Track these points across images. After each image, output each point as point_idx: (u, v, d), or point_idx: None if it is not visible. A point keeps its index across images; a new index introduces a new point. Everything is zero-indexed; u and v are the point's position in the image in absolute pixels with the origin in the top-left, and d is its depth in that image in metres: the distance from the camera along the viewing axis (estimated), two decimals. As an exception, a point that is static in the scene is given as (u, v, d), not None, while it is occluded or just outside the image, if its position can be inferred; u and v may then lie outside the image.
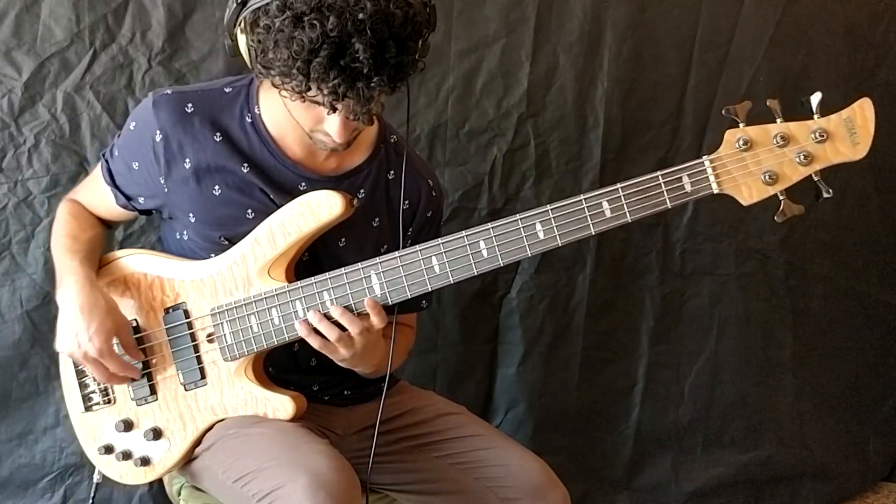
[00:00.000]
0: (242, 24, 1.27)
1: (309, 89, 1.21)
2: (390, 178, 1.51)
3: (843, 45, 2.28)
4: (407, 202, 1.50)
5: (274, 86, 1.27)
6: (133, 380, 1.45)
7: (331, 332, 1.35)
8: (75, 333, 1.36)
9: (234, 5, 1.27)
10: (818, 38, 2.25)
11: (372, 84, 1.19)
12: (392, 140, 1.53)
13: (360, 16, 1.15)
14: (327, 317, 1.36)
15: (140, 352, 1.45)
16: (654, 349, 2.30)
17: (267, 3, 1.20)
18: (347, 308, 1.36)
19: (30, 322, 1.89)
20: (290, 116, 1.34)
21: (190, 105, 1.41)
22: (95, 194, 1.55)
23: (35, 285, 1.88)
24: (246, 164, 1.41)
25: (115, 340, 1.41)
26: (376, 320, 1.36)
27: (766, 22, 2.19)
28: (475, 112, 2.09)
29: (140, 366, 1.45)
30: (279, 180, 1.43)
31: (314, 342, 1.37)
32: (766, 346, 2.37)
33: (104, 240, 1.56)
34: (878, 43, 2.32)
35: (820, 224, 2.35)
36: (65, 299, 1.39)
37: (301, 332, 1.37)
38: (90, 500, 1.58)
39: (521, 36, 2.07)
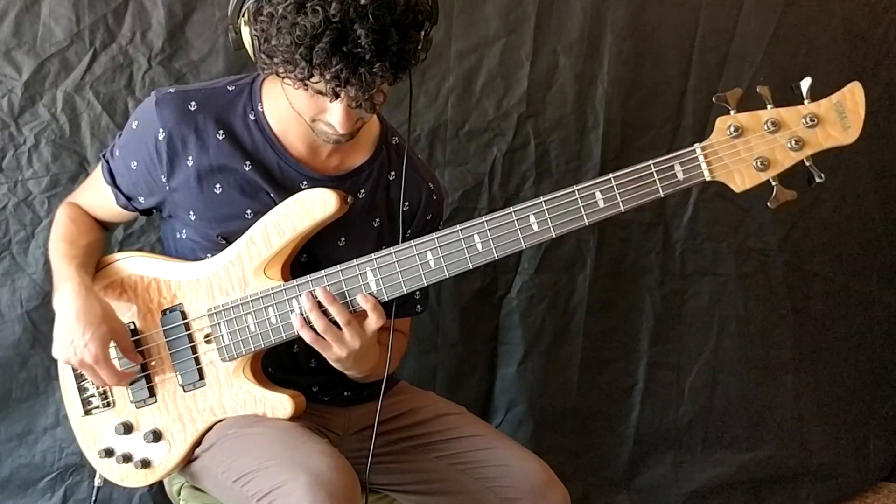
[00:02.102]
0: (246, 15, 1.28)
1: (311, 76, 1.22)
2: (391, 178, 1.51)
3: (843, 45, 2.28)
4: (407, 204, 1.50)
5: (277, 75, 1.27)
6: (131, 383, 1.45)
7: (319, 322, 1.35)
8: (71, 340, 1.36)
9: None
10: (818, 38, 2.25)
11: (374, 70, 1.19)
12: (393, 141, 1.53)
13: (363, 2, 1.16)
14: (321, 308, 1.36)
15: (138, 355, 1.45)
16: (654, 349, 2.30)
17: None
18: (342, 300, 1.36)
19: (30, 322, 1.89)
20: (293, 114, 1.35)
21: (193, 103, 1.41)
22: (96, 195, 1.55)
23: (35, 285, 1.88)
24: (248, 163, 1.42)
25: (112, 345, 1.41)
26: (373, 317, 1.36)
27: (766, 22, 2.19)
28: (475, 112, 2.09)
29: (138, 369, 1.45)
30: (280, 179, 1.43)
31: (306, 336, 1.36)
32: (766, 346, 2.37)
33: (102, 245, 1.56)
34: (878, 43, 2.32)
35: (820, 224, 2.35)
36: (61, 306, 1.39)
37: (295, 324, 1.37)
38: (91, 502, 1.58)
39: (521, 36, 2.07)
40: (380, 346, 1.45)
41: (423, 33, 1.27)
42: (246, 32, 1.30)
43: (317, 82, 1.23)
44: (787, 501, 2.42)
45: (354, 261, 1.37)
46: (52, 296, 1.43)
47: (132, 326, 1.46)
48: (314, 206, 1.38)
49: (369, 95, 1.24)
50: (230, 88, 1.45)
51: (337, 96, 1.24)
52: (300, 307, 1.38)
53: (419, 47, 1.26)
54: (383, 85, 1.25)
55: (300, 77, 1.22)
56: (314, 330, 1.36)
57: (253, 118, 1.43)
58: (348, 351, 1.36)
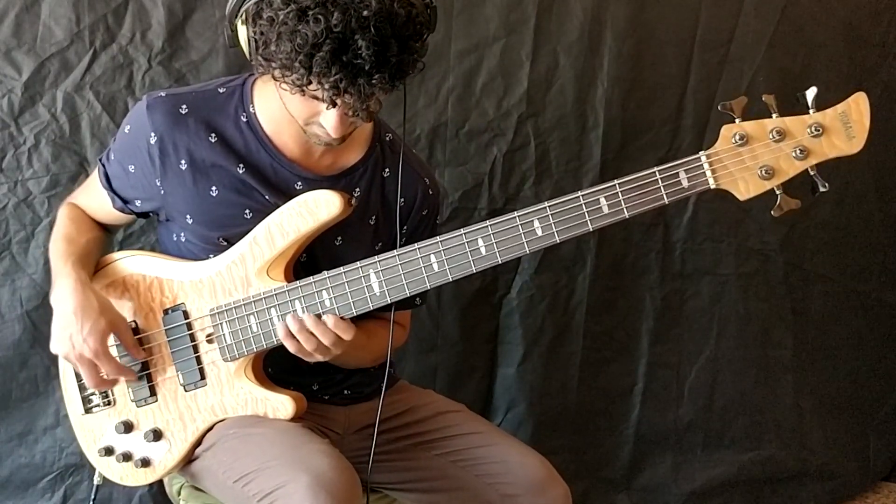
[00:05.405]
0: (244, 16, 1.27)
1: (310, 83, 1.22)
2: (386, 175, 1.51)
3: (843, 45, 2.28)
4: (403, 200, 1.49)
5: (274, 78, 1.27)
6: (132, 380, 1.45)
7: (308, 342, 1.37)
8: (69, 335, 1.36)
9: None
10: (818, 38, 2.25)
11: (373, 81, 1.19)
12: (387, 138, 1.53)
13: (365, 13, 1.16)
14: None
15: (141, 350, 1.45)
16: (654, 349, 2.30)
17: None
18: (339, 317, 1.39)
19: (30, 322, 1.89)
20: (286, 114, 1.34)
21: (184, 107, 1.41)
22: (93, 198, 1.55)
23: (35, 285, 1.88)
24: (241, 165, 1.41)
25: (115, 341, 1.41)
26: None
27: (766, 22, 2.19)
28: (475, 112, 2.09)
29: (137, 366, 1.45)
30: (275, 180, 1.43)
31: (290, 346, 1.38)
32: (766, 346, 2.37)
33: (101, 243, 1.56)
34: (878, 43, 2.32)
35: (820, 224, 2.35)
36: (58, 302, 1.39)
37: (279, 333, 1.38)
38: (90, 502, 1.58)
39: (521, 36, 2.07)
40: (376, 339, 1.48)
41: (421, 43, 1.27)
42: (243, 31, 1.30)
43: (315, 90, 1.23)
44: (787, 501, 2.42)
45: (358, 263, 1.37)
46: (50, 293, 1.43)
47: (133, 325, 1.46)
48: (318, 208, 1.38)
49: (366, 105, 1.24)
50: (221, 91, 1.44)
51: (334, 105, 1.24)
52: (302, 309, 1.38)
53: (417, 56, 1.26)
54: (380, 94, 1.25)
55: (298, 83, 1.22)
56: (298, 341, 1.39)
57: (245, 120, 1.42)
58: (328, 356, 1.40)
